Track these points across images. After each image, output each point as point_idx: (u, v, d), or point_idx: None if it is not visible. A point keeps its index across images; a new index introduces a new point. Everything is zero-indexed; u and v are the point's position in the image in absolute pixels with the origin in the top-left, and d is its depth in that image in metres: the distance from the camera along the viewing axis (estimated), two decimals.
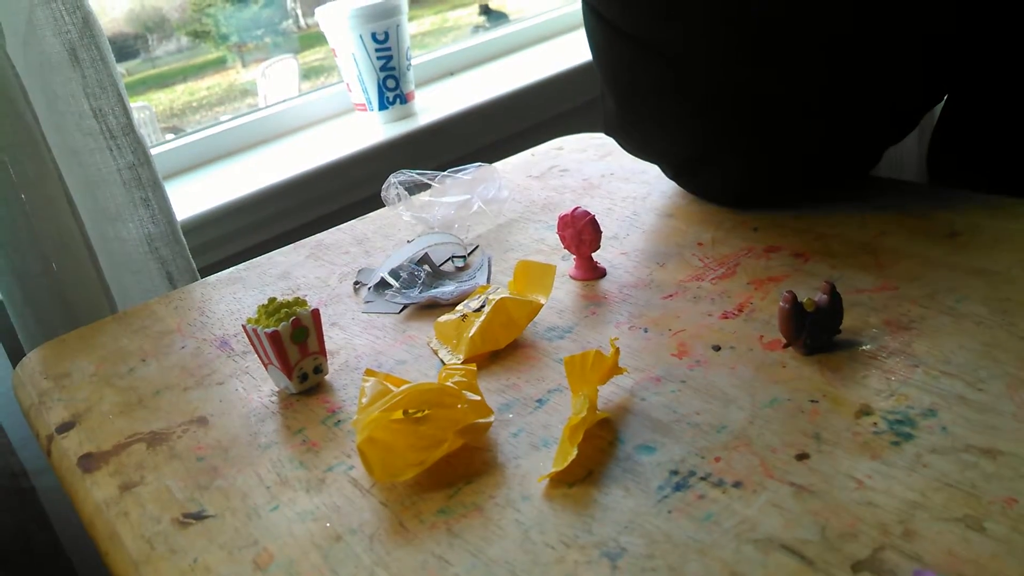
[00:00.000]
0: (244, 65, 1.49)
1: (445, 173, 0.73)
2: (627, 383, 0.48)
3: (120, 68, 1.28)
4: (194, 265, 0.91)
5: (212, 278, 0.73)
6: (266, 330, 0.51)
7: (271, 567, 0.40)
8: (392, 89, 1.18)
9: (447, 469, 0.44)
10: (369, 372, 0.48)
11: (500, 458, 0.44)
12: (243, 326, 0.53)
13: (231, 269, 0.73)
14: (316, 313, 0.53)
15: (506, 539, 0.39)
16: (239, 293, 0.68)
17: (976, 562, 0.34)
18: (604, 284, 0.59)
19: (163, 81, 1.41)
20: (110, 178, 0.88)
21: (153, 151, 1.17)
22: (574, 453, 0.42)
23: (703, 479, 0.40)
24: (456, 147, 1.18)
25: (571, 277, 0.61)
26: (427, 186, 0.73)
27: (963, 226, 0.57)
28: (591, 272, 0.60)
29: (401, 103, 1.19)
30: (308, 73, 1.50)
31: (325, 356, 0.54)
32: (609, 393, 0.48)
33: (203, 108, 1.39)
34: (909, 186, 0.65)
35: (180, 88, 1.43)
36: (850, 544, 0.35)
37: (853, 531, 0.36)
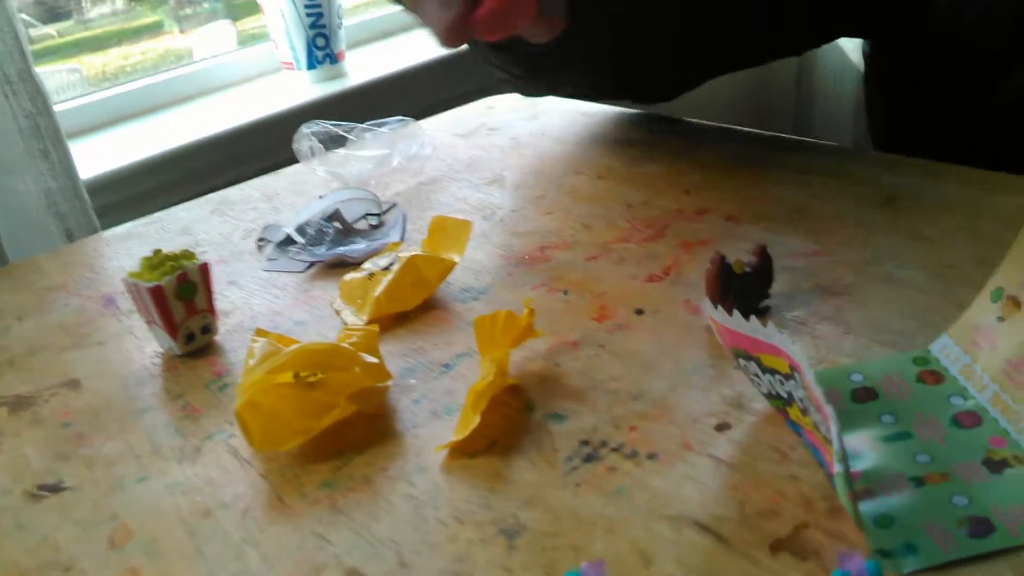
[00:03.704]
0: (181, 30, 1.42)
1: (364, 126, 0.68)
2: (541, 347, 0.44)
3: (51, 29, 1.20)
4: (98, 224, 0.85)
5: (107, 233, 0.67)
6: (147, 284, 0.46)
7: (128, 545, 0.35)
8: (322, 48, 1.12)
9: (337, 438, 0.39)
10: (260, 332, 0.43)
11: (398, 427, 0.40)
12: (123, 280, 0.47)
13: (129, 224, 0.67)
14: (205, 267, 0.48)
15: (395, 515, 0.35)
16: (135, 249, 0.63)
17: None
18: (524, 244, 0.55)
19: (97, 44, 1.33)
20: (6, 126, 0.81)
21: (74, 103, 1.10)
22: (476, 421, 0.37)
23: (615, 450, 0.37)
24: (387, 109, 1.12)
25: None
26: (343, 139, 0.68)
27: (902, 191, 0.55)
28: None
29: (331, 63, 1.14)
30: (246, 40, 1.44)
31: (215, 315, 0.49)
32: (521, 358, 0.44)
33: (137, 72, 1.31)
34: (847, 151, 0.62)
35: (114, 52, 1.35)
36: (770, 522, 0.32)
37: (774, 507, 0.33)
